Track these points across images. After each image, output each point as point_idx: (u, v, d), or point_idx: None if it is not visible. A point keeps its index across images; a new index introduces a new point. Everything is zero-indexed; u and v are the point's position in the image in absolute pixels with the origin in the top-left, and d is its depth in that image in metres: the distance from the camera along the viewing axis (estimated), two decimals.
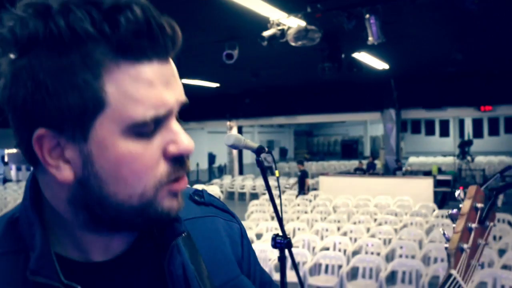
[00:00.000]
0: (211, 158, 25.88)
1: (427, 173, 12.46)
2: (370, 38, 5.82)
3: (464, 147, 11.89)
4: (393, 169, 12.80)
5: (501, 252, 5.27)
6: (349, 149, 32.62)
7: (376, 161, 15.35)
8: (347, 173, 14.40)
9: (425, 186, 10.66)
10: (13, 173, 24.93)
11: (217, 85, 13.17)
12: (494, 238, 6.13)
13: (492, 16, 6.87)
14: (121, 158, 0.57)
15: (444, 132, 31.72)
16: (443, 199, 11.50)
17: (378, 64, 9.97)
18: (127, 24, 0.53)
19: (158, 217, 0.62)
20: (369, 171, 14.00)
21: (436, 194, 10.98)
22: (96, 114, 0.55)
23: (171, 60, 0.61)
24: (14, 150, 24.46)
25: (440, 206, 9.86)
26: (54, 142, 0.57)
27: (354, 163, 18.70)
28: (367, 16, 5.68)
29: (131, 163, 0.57)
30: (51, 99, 0.54)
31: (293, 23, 6.10)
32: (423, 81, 13.04)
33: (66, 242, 0.64)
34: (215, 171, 24.20)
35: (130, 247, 0.68)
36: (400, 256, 5.37)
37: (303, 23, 6.04)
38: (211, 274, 0.73)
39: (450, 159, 18.23)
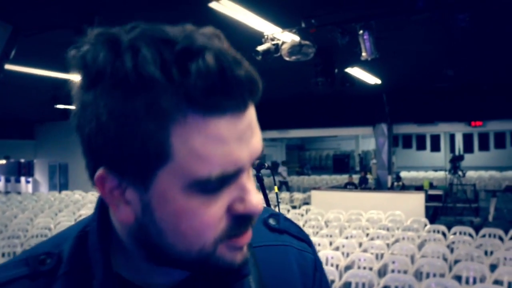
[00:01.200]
0: None
1: (419, 188, 12.51)
2: (363, 54, 5.88)
3: (455, 162, 11.95)
4: (391, 184, 12.89)
5: (493, 267, 5.28)
6: (341, 163, 32.69)
7: (368, 176, 15.38)
8: (339, 187, 14.41)
9: (417, 201, 10.70)
10: (1, 184, 24.70)
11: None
12: (486, 253, 6.15)
13: (483, 33, 6.98)
14: (181, 214, 0.53)
15: (435, 147, 31.92)
16: (434, 213, 11.54)
17: (371, 79, 10.05)
18: (198, 76, 0.48)
19: (218, 268, 0.59)
20: (361, 185, 14.03)
21: (427, 208, 11.02)
22: (158, 166, 0.51)
23: (250, 108, 0.55)
24: (3, 161, 24.26)
25: (432, 221, 9.90)
26: (115, 183, 0.54)
27: (345, 178, 18.76)
28: (361, 32, 5.75)
29: (191, 219, 0.54)
30: (113, 144, 0.51)
31: (288, 38, 6.15)
32: (415, 96, 13.16)
33: (128, 266, 0.64)
34: None
35: (191, 275, 0.66)
36: (393, 271, 5.36)
37: (297, 38, 6.10)
38: None
39: (441, 174, 18.34)
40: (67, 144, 21.00)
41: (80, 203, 12.73)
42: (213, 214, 0.54)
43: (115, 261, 0.63)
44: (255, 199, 0.56)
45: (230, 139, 0.52)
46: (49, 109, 12.57)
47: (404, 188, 12.83)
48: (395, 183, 12.96)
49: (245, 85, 0.52)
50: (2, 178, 24.86)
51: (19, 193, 18.75)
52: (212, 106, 0.50)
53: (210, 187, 0.52)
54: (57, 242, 0.68)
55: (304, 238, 0.80)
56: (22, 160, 23.49)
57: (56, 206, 11.98)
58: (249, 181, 0.56)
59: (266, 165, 1.67)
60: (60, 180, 21.48)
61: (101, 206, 0.64)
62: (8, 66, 5.76)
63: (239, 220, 0.56)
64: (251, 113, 0.55)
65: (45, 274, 0.63)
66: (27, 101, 12.93)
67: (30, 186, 22.13)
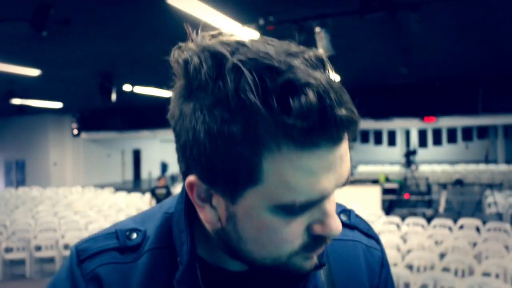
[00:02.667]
0: (164, 167, 25.61)
1: (375, 182, 12.85)
2: (320, 51, 6.02)
3: (409, 156, 12.36)
4: None
5: (442, 256, 5.55)
6: None
7: None
8: None
9: (373, 194, 11.00)
10: None
11: (170, 94, 13.11)
12: (436, 242, 6.43)
13: (435, 33, 7.25)
14: (263, 228, 0.56)
15: (392, 142, 32.75)
16: (390, 206, 11.89)
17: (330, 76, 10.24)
18: (298, 113, 0.49)
19: (288, 273, 0.62)
20: None
21: (383, 201, 11.35)
22: (247, 186, 0.54)
23: (344, 141, 0.55)
24: None
25: (387, 213, 10.21)
26: (204, 189, 0.58)
27: None
28: (318, 29, 5.89)
29: (272, 234, 0.57)
30: (206, 159, 0.54)
31: (246, 35, 6.22)
32: (372, 92, 13.50)
33: (208, 250, 0.69)
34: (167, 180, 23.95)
35: None
36: None
37: (256, 35, 6.18)
38: None
39: (396, 168, 18.88)
40: (25, 140, 20.41)
41: (38, 199, 12.44)
42: (293, 231, 0.57)
43: (200, 247, 0.68)
44: (335, 224, 0.58)
45: (320, 171, 0.53)
46: (4, 104, 12.19)
47: (354, 180, 13.12)
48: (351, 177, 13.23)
49: (344, 125, 0.51)
50: None
51: None
52: (307, 142, 0.51)
53: (293, 210, 0.55)
54: (140, 220, 0.74)
55: (373, 235, 0.82)
56: None
57: (12, 203, 11.67)
58: (330, 206, 0.58)
59: None
60: (17, 176, 20.86)
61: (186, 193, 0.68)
62: None
63: (316, 239, 0.59)
64: (344, 145, 0.55)
65: (131, 249, 0.70)
66: None
67: None
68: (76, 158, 20.84)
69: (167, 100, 0.64)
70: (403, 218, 8.10)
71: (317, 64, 0.54)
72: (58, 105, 15.96)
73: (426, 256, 5.32)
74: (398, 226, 7.59)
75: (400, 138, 31.50)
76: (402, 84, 12.42)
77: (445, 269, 5.06)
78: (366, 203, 10.29)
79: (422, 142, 31.39)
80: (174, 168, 25.63)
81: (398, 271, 4.78)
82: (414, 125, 19.84)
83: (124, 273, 0.68)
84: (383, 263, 0.81)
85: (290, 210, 0.55)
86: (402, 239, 6.49)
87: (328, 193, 0.55)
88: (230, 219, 0.58)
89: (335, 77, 0.55)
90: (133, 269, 0.68)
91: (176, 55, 0.58)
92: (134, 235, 0.71)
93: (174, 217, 0.70)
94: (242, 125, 0.51)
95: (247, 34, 6.23)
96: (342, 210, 0.83)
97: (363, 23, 6.20)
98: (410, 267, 5.29)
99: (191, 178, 0.58)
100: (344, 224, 0.78)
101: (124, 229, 0.71)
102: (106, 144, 22.40)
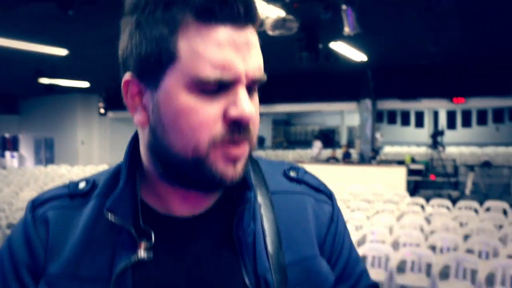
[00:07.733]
0: None
1: (401, 163, 12.73)
2: (346, 29, 5.94)
3: (436, 137, 12.16)
4: (368, 158, 13.04)
5: (466, 238, 5.48)
6: (326, 138, 32.87)
7: (351, 150, 15.56)
8: (322, 161, 14.58)
9: (398, 174, 10.92)
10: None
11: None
12: (461, 224, 6.36)
13: (466, 11, 7.05)
14: (181, 110, 0.62)
15: (419, 123, 32.21)
16: (415, 187, 11.79)
17: (356, 55, 10.11)
18: None
19: (212, 177, 0.65)
20: (345, 159, 14.22)
21: (409, 182, 11.25)
22: (167, 65, 0.62)
23: (251, 30, 0.65)
24: None
25: (412, 194, 10.13)
26: (137, 89, 0.67)
27: (330, 152, 18.90)
28: (344, 7, 5.79)
29: (188, 116, 0.62)
30: (136, 48, 0.64)
31: (272, 12, 6.17)
32: (399, 72, 13.26)
33: (152, 194, 0.73)
34: None
35: (209, 209, 0.74)
36: (371, 241, 5.52)
37: (281, 13, 6.12)
38: (286, 249, 0.73)
39: (423, 149, 18.61)
40: (53, 118, 20.81)
41: (66, 177, 12.74)
42: (208, 113, 0.63)
43: (144, 193, 0.74)
44: (248, 106, 0.63)
45: (228, 46, 0.62)
46: (33, 83, 12.44)
47: (380, 161, 13.04)
48: (377, 157, 13.14)
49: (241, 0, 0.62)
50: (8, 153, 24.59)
51: (3, 167, 18.62)
52: (211, 15, 0.61)
53: (208, 87, 0.62)
54: (95, 175, 0.82)
55: (323, 190, 0.84)
56: (7, 135, 23.23)
57: (41, 180, 11.98)
58: (244, 92, 0.64)
59: None
60: (46, 154, 21.37)
61: (134, 140, 0.76)
62: None
63: (233, 126, 0.64)
64: (251, 35, 0.65)
65: (81, 195, 0.77)
66: (10, 75, 12.76)
67: (15, 161, 21.95)
68: (102, 137, 21.19)
69: None
70: (428, 199, 8.01)
71: None
72: (85, 84, 16.18)
73: (449, 237, 5.27)
74: (422, 207, 7.53)
75: (428, 119, 30.94)
76: (430, 64, 12.14)
77: (469, 251, 5.00)
78: (391, 183, 10.24)
79: (451, 124, 30.75)
80: None
81: (420, 252, 4.75)
82: (442, 106, 19.44)
83: (70, 216, 0.74)
84: (333, 217, 0.82)
85: (205, 88, 0.62)
86: (426, 220, 6.44)
87: (239, 76, 0.62)
88: (155, 108, 0.65)
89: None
90: (80, 213, 0.74)
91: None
92: (83, 184, 0.78)
93: (122, 166, 0.74)
94: (162, 10, 0.62)
95: (272, 11, 6.17)
96: (292, 167, 0.85)
97: (391, 1, 6.07)
98: (433, 248, 5.25)
99: (126, 75, 0.67)
100: (292, 179, 0.83)
101: (75, 182, 0.80)
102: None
